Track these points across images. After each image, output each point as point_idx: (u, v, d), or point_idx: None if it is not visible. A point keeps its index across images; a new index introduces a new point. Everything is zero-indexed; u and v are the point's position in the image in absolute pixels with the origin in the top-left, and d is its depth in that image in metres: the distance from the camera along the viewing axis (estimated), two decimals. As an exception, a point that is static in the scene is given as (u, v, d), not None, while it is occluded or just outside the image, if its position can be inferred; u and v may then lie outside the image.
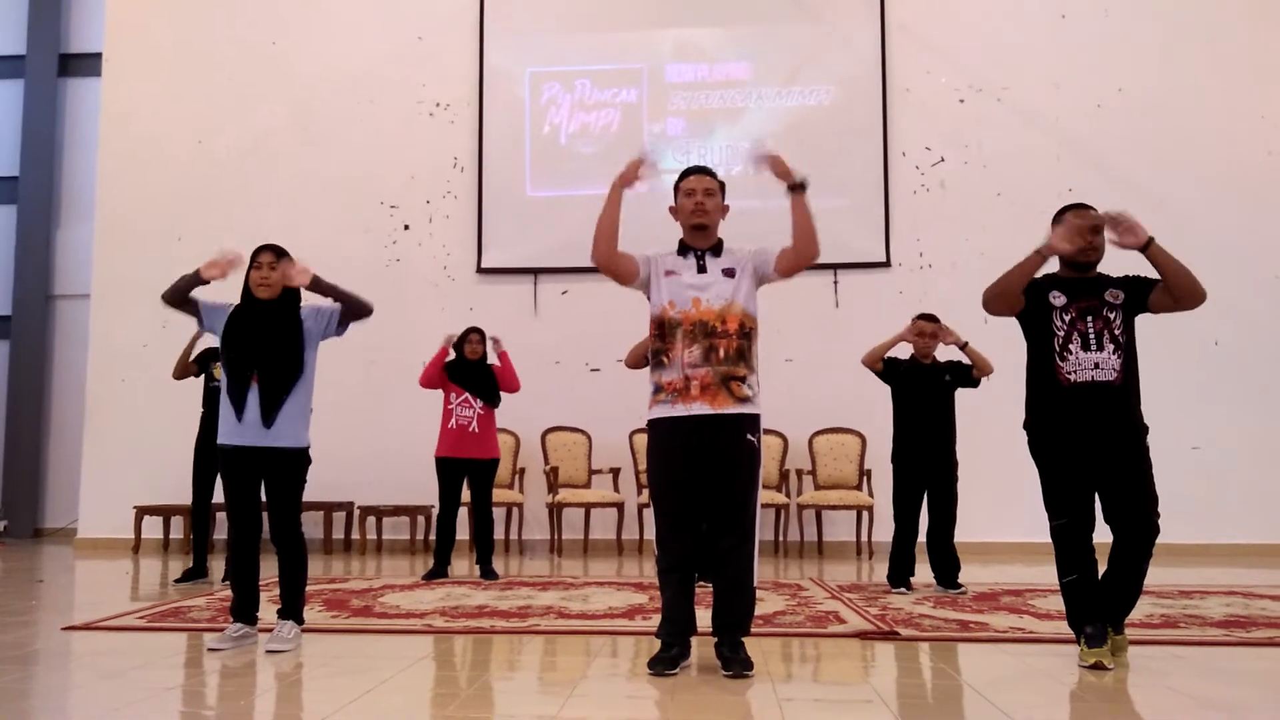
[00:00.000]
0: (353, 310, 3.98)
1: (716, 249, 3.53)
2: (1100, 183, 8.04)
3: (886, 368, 5.56)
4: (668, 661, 3.37)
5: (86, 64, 10.07)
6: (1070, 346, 3.52)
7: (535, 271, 8.56)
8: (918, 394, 5.51)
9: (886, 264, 8.36)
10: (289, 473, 3.90)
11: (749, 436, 3.38)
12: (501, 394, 6.41)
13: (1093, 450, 3.50)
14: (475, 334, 6.45)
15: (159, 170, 8.95)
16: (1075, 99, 8.37)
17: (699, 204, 3.51)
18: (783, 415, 7.74)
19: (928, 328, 5.51)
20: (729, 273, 3.47)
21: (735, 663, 3.32)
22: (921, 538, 5.48)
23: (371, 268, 8.62)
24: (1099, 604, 3.54)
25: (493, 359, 6.49)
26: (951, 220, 8.31)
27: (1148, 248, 3.43)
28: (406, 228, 8.78)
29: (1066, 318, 3.55)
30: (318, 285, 3.91)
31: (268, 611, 4.07)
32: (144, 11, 9.23)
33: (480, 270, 8.67)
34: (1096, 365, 3.49)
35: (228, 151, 8.94)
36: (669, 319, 3.44)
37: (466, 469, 6.27)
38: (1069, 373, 3.52)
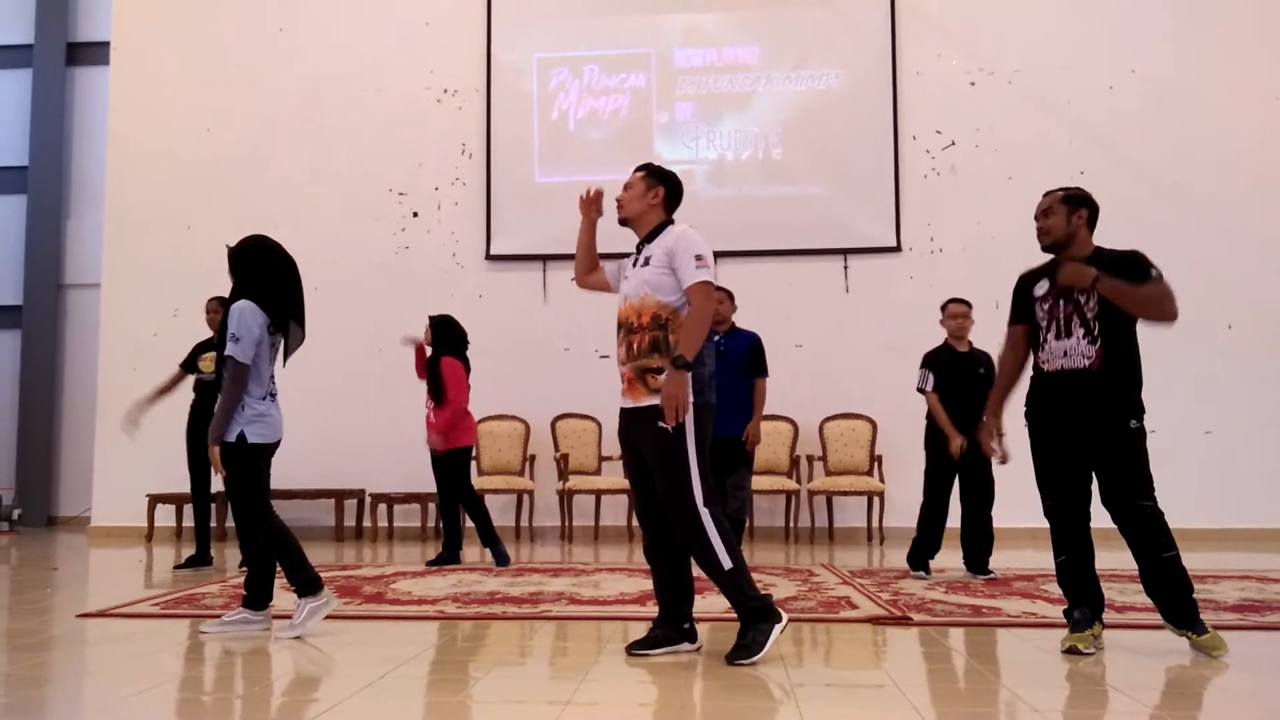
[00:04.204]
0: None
1: (652, 235, 3.52)
2: (1112, 165, 8.01)
3: (926, 365, 5.63)
4: (640, 643, 3.46)
5: (95, 53, 10.08)
6: (1047, 336, 3.53)
7: (544, 258, 8.54)
8: (953, 382, 5.51)
9: (897, 249, 8.31)
10: (227, 468, 3.90)
11: (659, 424, 3.36)
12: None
13: (1074, 435, 3.48)
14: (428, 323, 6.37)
15: (168, 159, 8.95)
16: (1087, 81, 8.30)
17: (616, 201, 3.58)
18: (793, 401, 7.73)
19: (959, 310, 5.59)
20: (646, 261, 3.47)
21: (737, 649, 3.31)
22: (953, 522, 5.50)
23: (380, 255, 8.64)
24: (1091, 588, 3.54)
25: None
26: (962, 204, 8.26)
27: (1094, 286, 3.36)
28: (415, 215, 8.78)
29: (1045, 307, 3.55)
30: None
31: (283, 600, 4.08)
32: (151, 0, 9.22)
33: (489, 257, 8.66)
34: (1065, 353, 3.47)
35: (236, 139, 8.94)
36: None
37: (433, 459, 6.34)
38: (1043, 362, 3.55)
